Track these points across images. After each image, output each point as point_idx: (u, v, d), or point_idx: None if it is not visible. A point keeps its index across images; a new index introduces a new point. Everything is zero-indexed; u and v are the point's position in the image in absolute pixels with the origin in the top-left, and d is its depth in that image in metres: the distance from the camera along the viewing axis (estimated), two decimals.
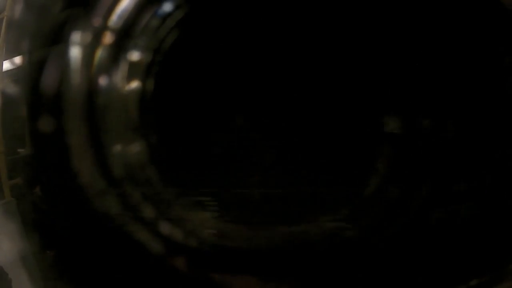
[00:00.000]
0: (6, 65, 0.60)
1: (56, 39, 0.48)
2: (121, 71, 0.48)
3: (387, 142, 0.47)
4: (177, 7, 0.48)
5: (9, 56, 0.60)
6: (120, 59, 0.48)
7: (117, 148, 0.49)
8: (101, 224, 0.48)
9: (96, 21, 0.47)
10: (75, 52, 0.48)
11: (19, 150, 0.59)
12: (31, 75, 0.49)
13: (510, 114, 0.46)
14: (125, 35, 0.48)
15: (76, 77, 0.48)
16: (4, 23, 0.58)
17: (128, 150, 0.49)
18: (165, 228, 0.49)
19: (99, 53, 0.48)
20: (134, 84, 0.49)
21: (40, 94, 0.48)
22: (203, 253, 0.49)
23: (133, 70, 0.49)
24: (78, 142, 0.48)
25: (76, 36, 0.48)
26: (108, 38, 0.48)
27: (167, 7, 0.48)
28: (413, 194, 0.47)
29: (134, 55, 0.48)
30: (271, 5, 0.46)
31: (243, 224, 0.49)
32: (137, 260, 0.48)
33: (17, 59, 0.57)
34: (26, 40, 0.51)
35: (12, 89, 0.58)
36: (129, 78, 0.49)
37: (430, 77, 0.46)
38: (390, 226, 0.47)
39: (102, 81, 0.48)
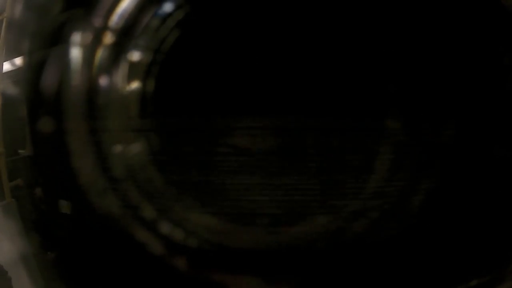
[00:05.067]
0: (6, 66, 0.60)
1: (56, 39, 0.48)
2: (121, 71, 0.48)
3: (388, 142, 0.47)
4: (177, 7, 0.48)
5: (9, 56, 0.60)
6: (120, 59, 0.48)
7: (117, 148, 0.49)
8: (101, 224, 0.48)
9: (97, 21, 0.47)
10: (75, 53, 0.48)
11: (19, 151, 0.59)
12: (31, 75, 0.49)
13: (510, 114, 0.46)
14: (126, 35, 0.48)
15: (76, 78, 0.48)
16: (4, 24, 0.58)
17: (128, 150, 0.49)
18: (165, 228, 0.49)
19: (100, 53, 0.48)
20: (134, 84, 0.49)
21: (40, 94, 0.48)
22: (203, 253, 0.49)
23: (133, 70, 0.49)
24: (78, 142, 0.48)
25: (77, 37, 0.48)
26: (108, 38, 0.48)
27: (167, 7, 0.48)
28: (414, 194, 0.47)
29: (134, 55, 0.48)
30: (271, 5, 0.46)
31: (243, 224, 0.49)
32: (137, 260, 0.48)
33: (17, 60, 0.57)
34: (26, 40, 0.51)
35: (12, 90, 0.58)
36: (129, 78, 0.49)
37: (430, 77, 0.46)
38: (390, 226, 0.47)
39: (102, 81, 0.48)
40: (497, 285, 0.47)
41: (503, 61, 0.45)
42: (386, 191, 0.48)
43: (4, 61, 0.60)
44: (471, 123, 0.46)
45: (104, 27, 0.48)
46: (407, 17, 0.45)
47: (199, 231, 0.49)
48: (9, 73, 0.59)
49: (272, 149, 0.49)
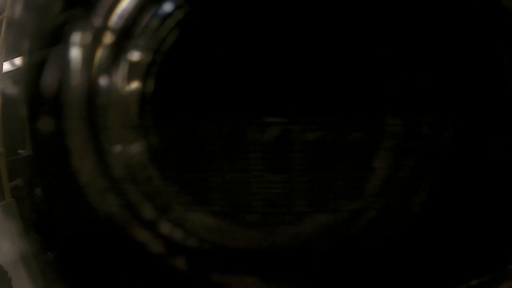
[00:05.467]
0: (6, 66, 0.60)
1: (56, 39, 0.48)
2: (121, 71, 0.48)
3: (388, 142, 0.47)
4: (177, 7, 0.48)
5: (9, 57, 0.60)
6: (120, 59, 0.48)
7: (117, 148, 0.49)
8: (101, 224, 0.48)
9: (96, 21, 0.47)
10: (75, 53, 0.48)
11: (19, 151, 0.59)
12: (31, 75, 0.49)
13: (510, 114, 0.46)
14: (125, 35, 0.48)
15: (76, 78, 0.48)
16: (4, 24, 0.59)
17: (128, 150, 0.49)
18: (165, 228, 0.49)
19: (99, 53, 0.48)
20: (134, 84, 0.49)
21: (40, 94, 0.48)
22: (203, 253, 0.49)
23: (133, 70, 0.49)
24: (78, 142, 0.48)
25: (76, 37, 0.48)
26: (108, 38, 0.48)
27: (167, 7, 0.48)
28: (414, 193, 0.47)
29: (134, 55, 0.48)
30: (271, 5, 0.46)
31: (243, 224, 0.49)
32: (137, 260, 0.48)
33: (17, 60, 0.57)
34: (26, 40, 0.51)
35: (12, 90, 0.58)
36: (129, 78, 0.49)
37: (430, 77, 0.46)
38: (390, 226, 0.47)
39: (102, 81, 0.48)
40: (497, 285, 0.47)
41: (503, 61, 0.46)
42: (386, 191, 0.48)
43: (4, 61, 0.60)
44: (471, 124, 0.46)
45: (104, 27, 0.48)
46: (407, 17, 0.45)
47: (199, 231, 0.49)
48: (9, 73, 0.59)
49: (272, 149, 0.49)
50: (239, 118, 0.48)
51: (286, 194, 0.49)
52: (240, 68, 0.47)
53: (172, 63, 0.49)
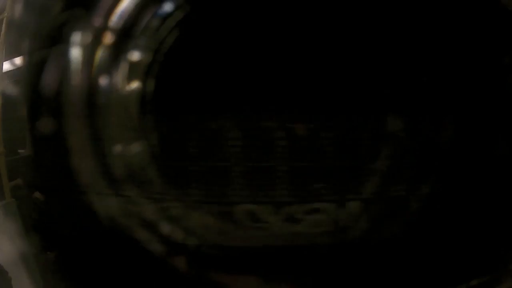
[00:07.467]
0: (6, 66, 0.60)
1: (56, 39, 0.48)
2: (121, 71, 0.48)
3: (388, 142, 0.47)
4: (177, 8, 0.48)
5: (9, 56, 0.60)
6: (120, 59, 0.48)
7: (117, 148, 0.49)
8: (100, 224, 0.48)
9: (97, 21, 0.47)
10: (75, 53, 0.48)
11: (19, 150, 0.59)
12: (31, 75, 0.49)
13: (510, 114, 0.46)
14: (126, 35, 0.48)
15: (76, 78, 0.48)
16: (4, 24, 0.58)
17: (128, 150, 0.49)
18: (165, 228, 0.49)
19: (99, 53, 0.48)
20: (134, 84, 0.49)
21: (40, 94, 0.48)
22: (203, 253, 0.49)
23: (133, 70, 0.49)
24: (78, 143, 0.48)
25: (76, 37, 0.48)
26: (108, 38, 0.48)
27: (167, 7, 0.48)
28: (414, 194, 0.47)
29: (134, 55, 0.48)
30: (271, 5, 0.46)
31: (243, 223, 0.49)
32: (137, 260, 0.48)
33: (17, 60, 0.57)
34: (26, 40, 0.51)
35: (12, 89, 0.58)
36: (129, 78, 0.49)
37: (430, 77, 0.46)
38: (391, 226, 0.47)
39: (102, 81, 0.48)
40: (497, 285, 0.47)
41: (503, 61, 0.46)
42: (387, 191, 0.48)
43: (4, 61, 0.60)
44: (471, 123, 0.46)
45: (104, 27, 0.48)
46: (407, 16, 0.45)
47: (199, 230, 0.49)
48: (9, 73, 0.59)
49: (270, 150, 0.49)
50: (239, 117, 0.48)
51: (285, 196, 0.49)
52: (241, 68, 0.47)
53: (172, 63, 0.49)
